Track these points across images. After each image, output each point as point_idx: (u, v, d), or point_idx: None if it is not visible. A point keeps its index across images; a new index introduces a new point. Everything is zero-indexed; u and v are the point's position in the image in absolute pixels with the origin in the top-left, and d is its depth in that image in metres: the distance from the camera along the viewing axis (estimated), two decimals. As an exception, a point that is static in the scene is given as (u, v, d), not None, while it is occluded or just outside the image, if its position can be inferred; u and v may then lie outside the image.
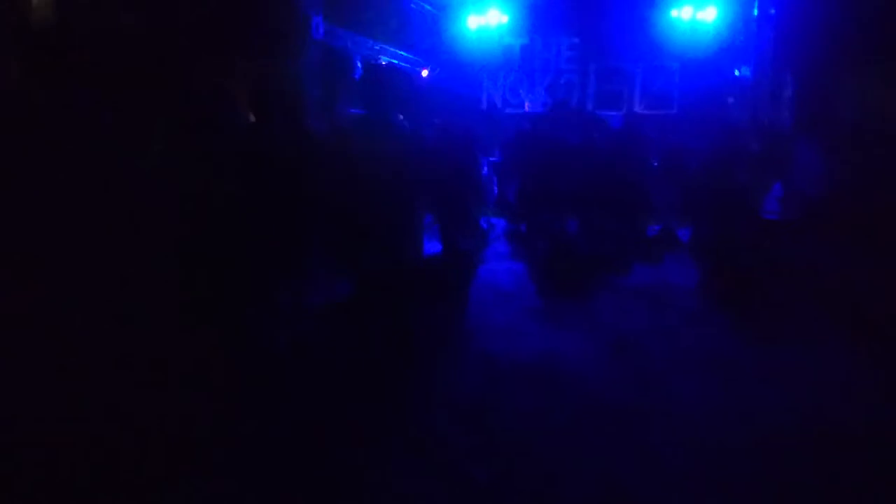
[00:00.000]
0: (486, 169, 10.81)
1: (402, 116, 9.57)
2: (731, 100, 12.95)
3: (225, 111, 5.39)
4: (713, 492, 3.21)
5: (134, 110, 4.56)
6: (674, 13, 13.18)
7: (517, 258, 8.46)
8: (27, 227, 3.44)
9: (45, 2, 6.35)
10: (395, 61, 12.98)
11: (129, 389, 3.30)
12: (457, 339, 5.47)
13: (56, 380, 3.21)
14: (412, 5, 13.48)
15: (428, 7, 13.90)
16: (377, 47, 12.14)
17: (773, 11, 11.67)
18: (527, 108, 14.20)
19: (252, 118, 6.23)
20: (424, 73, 14.25)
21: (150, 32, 6.44)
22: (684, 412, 4.04)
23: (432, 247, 8.16)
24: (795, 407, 4.04)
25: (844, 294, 6.47)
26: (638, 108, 13.88)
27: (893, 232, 7.25)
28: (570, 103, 13.10)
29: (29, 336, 3.23)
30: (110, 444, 3.01)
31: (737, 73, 12.81)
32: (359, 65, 11.60)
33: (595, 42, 14.06)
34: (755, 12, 12.11)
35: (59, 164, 3.67)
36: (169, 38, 6.65)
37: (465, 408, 4.06)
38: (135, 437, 3.07)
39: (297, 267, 5.33)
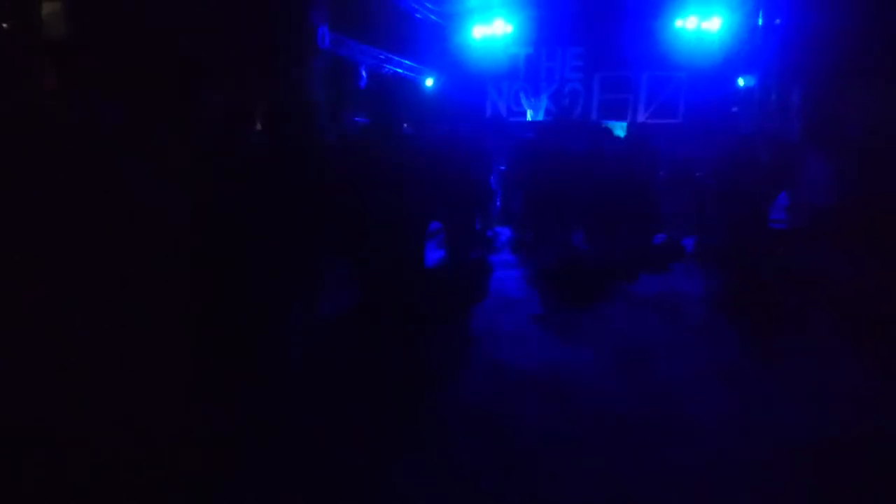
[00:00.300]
0: (492, 178, 10.82)
1: (406, 125, 9.63)
2: (735, 109, 12.97)
3: (238, 125, 5.42)
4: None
5: (148, 119, 4.59)
6: (678, 23, 13.22)
7: (523, 267, 8.44)
8: (45, 227, 3.45)
9: (56, 14, 6.42)
10: (401, 70, 13.02)
11: (131, 390, 3.30)
12: (462, 346, 5.46)
13: (57, 380, 3.22)
14: (418, 15, 13.54)
15: (433, 17, 13.96)
16: (382, 56, 12.18)
17: (777, 21, 11.69)
18: (531, 117, 14.24)
19: (260, 127, 6.26)
20: (429, 82, 14.30)
21: (161, 45, 6.49)
22: (691, 420, 4.01)
23: (438, 255, 8.17)
24: (803, 414, 4.02)
25: (853, 301, 6.45)
26: (643, 118, 13.91)
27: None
28: (575, 112, 13.14)
29: (31, 336, 3.24)
30: (112, 444, 3.01)
31: (742, 82, 12.83)
32: (364, 74, 11.65)
33: (600, 51, 14.12)
34: (760, 22, 12.13)
35: (72, 167, 3.69)
36: (179, 51, 6.70)
37: (471, 413, 4.04)
38: (136, 438, 3.07)
39: (306, 273, 5.34)
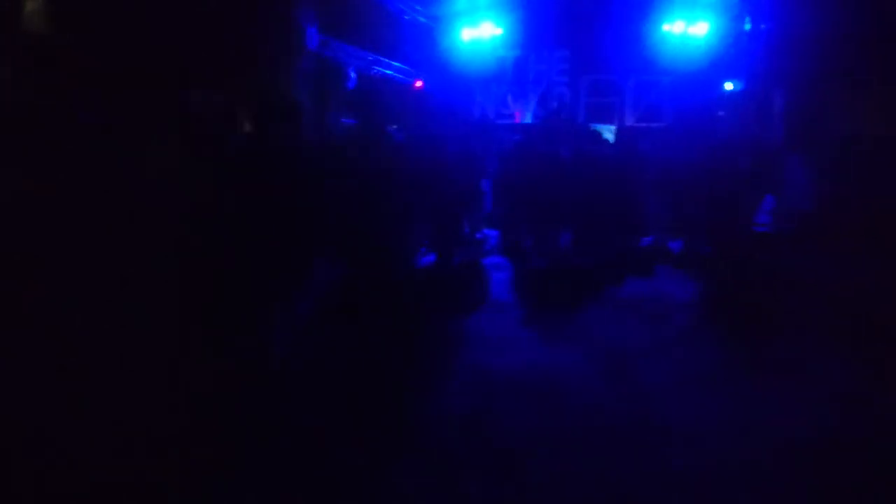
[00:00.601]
0: (480, 180, 10.86)
1: (395, 127, 9.62)
2: (721, 113, 13.07)
3: (221, 125, 5.41)
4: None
5: (130, 119, 4.57)
6: (665, 27, 13.31)
7: (511, 269, 8.48)
8: (27, 229, 3.44)
9: (38, 10, 6.37)
10: (389, 72, 13.01)
11: (130, 390, 3.29)
12: (450, 349, 5.47)
13: (57, 381, 3.20)
14: (406, 17, 13.53)
15: (422, 19, 13.95)
16: (371, 58, 12.17)
17: (763, 27, 11.80)
18: (519, 120, 14.27)
19: (248, 128, 6.24)
20: (418, 84, 14.30)
21: (145, 44, 6.47)
22: (685, 422, 4.04)
23: (426, 257, 8.18)
24: (791, 413, 4.07)
25: (835, 302, 6.54)
26: (629, 121, 13.99)
27: (879, 241, 7.36)
28: (562, 115, 13.19)
29: (30, 337, 3.23)
30: (111, 444, 3.00)
31: (727, 87, 12.94)
32: (353, 75, 11.63)
33: (587, 55, 14.17)
34: (746, 27, 12.24)
35: (57, 166, 3.68)
36: (164, 51, 6.68)
37: (464, 415, 4.06)
38: (136, 438, 3.07)
39: (293, 274, 5.33)
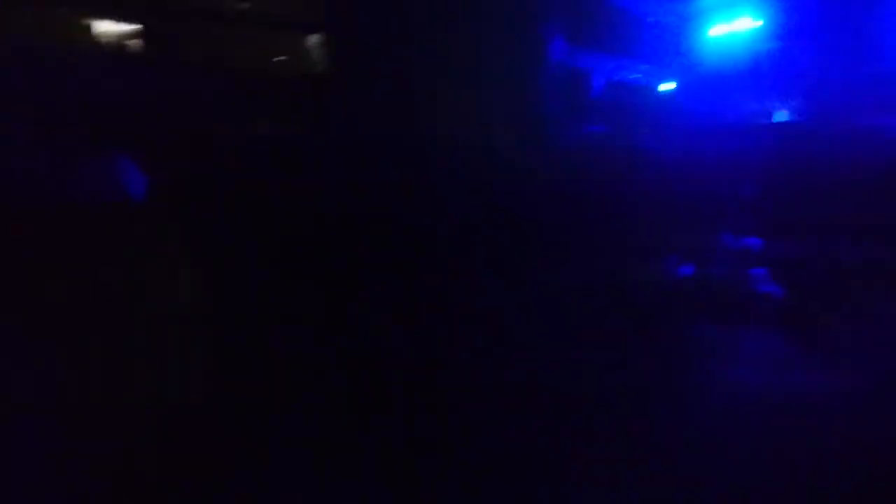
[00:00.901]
0: (742, 187, 10.26)
1: (644, 133, 9.38)
2: None
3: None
4: None
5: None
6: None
7: (776, 283, 7.86)
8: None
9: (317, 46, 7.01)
10: (637, 76, 12.77)
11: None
12: (694, 359, 5.19)
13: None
14: (653, 18, 13.19)
15: (670, 18, 13.51)
16: (618, 64, 12.01)
17: None
18: (782, 119, 13.28)
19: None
20: (667, 86, 13.84)
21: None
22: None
23: (684, 269, 7.84)
24: None
25: None
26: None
27: None
28: (835, 112, 12.04)
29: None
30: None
31: None
32: (599, 83, 11.56)
33: (861, 42, 12.82)
34: None
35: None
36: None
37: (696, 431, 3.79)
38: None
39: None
